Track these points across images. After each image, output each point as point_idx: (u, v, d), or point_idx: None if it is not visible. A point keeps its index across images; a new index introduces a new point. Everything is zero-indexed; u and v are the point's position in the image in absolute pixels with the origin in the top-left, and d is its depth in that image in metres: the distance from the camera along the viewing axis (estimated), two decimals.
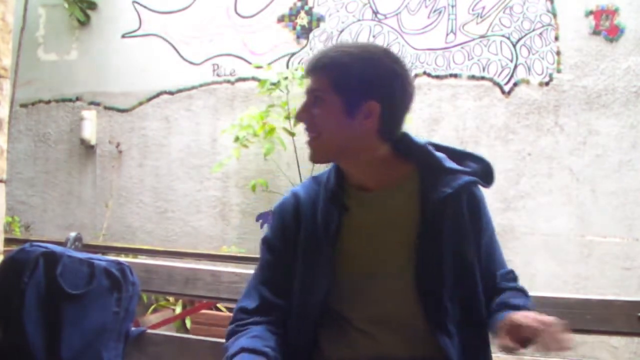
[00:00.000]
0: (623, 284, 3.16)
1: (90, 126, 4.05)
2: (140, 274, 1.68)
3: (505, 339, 1.09)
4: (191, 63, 3.92)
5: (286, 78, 3.39)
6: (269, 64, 3.65)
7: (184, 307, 3.42)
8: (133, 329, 1.65)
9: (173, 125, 3.96)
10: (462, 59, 3.47)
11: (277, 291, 1.30)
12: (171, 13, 3.98)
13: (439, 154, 1.29)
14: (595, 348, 3.16)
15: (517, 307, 1.21)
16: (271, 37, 3.79)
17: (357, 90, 1.21)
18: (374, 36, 3.60)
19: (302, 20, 3.74)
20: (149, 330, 1.73)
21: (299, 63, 3.70)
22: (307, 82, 1.27)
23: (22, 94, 4.11)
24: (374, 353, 1.23)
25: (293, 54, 3.75)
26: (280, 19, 3.78)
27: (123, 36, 4.06)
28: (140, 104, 4.02)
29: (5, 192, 1.89)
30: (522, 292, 1.32)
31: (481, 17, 3.45)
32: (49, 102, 4.21)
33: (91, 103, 4.12)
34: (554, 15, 3.34)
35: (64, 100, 4.18)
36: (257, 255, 1.40)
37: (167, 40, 3.97)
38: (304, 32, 3.74)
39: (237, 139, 3.38)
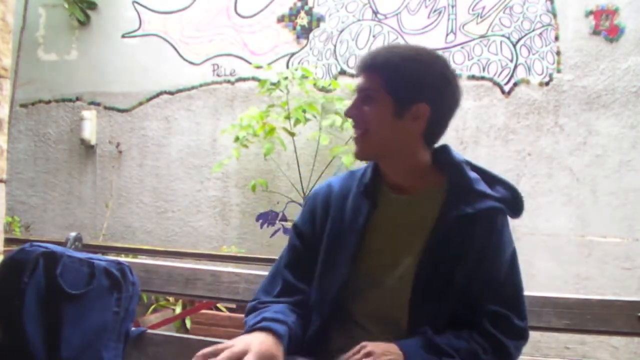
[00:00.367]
0: (623, 284, 3.16)
1: (90, 126, 4.05)
2: (140, 274, 1.68)
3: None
4: (191, 63, 3.92)
5: (286, 78, 3.39)
6: (269, 64, 3.65)
7: (184, 307, 3.42)
8: (133, 329, 1.65)
9: (173, 125, 3.96)
10: (462, 59, 3.47)
11: (300, 276, 1.34)
12: (171, 13, 3.98)
13: (473, 175, 1.29)
14: (595, 348, 3.16)
15: (435, 347, 1.19)
16: (271, 37, 3.79)
17: (409, 91, 1.23)
18: (374, 36, 3.60)
19: (302, 20, 3.74)
20: (149, 330, 1.73)
21: (299, 63, 3.70)
22: (359, 80, 1.29)
23: (22, 94, 4.11)
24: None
25: (293, 54, 3.75)
26: (280, 19, 3.78)
27: (123, 36, 4.06)
28: (140, 104, 4.02)
29: (5, 192, 1.89)
30: (493, 341, 1.23)
31: (481, 17, 3.45)
32: (49, 102, 4.21)
33: (91, 103, 4.12)
34: (554, 15, 3.34)
35: (64, 100, 4.18)
36: (257, 255, 1.42)
37: (167, 40, 3.97)
38: (304, 32, 3.74)
39: (237, 139, 3.38)
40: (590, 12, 3.27)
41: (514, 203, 1.30)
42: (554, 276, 3.25)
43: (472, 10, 3.46)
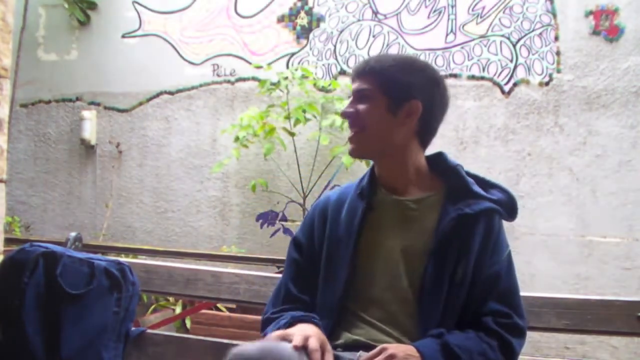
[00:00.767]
0: (623, 284, 3.16)
1: (90, 126, 4.05)
2: (141, 274, 1.68)
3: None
4: (191, 63, 3.92)
5: (286, 78, 3.39)
6: (269, 64, 3.65)
7: (184, 307, 3.41)
8: (133, 329, 1.65)
9: (173, 125, 3.96)
10: (462, 59, 3.47)
11: (301, 288, 1.37)
12: (171, 13, 3.98)
13: (469, 178, 1.35)
14: (595, 348, 3.16)
15: (448, 347, 1.21)
16: (271, 37, 3.79)
17: (401, 89, 1.30)
18: (374, 36, 3.60)
19: (302, 20, 3.74)
20: (149, 330, 1.73)
21: (299, 63, 3.70)
22: (353, 85, 1.35)
23: (22, 94, 4.11)
24: (371, 339, 1.28)
25: (293, 54, 3.75)
26: (280, 19, 3.78)
27: (123, 36, 4.06)
28: (140, 104, 4.02)
29: (5, 192, 1.89)
30: (498, 338, 1.25)
31: (481, 17, 3.45)
32: (49, 102, 4.21)
33: (91, 103, 4.12)
34: (554, 15, 3.34)
35: (64, 100, 4.18)
36: (257, 255, 1.43)
37: (167, 40, 3.97)
38: (304, 32, 3.74)
39: (237, 139, 3.38)
40: (590, 12, 3.27)
41: (509, 206, 1.34)
42: (553, 276, 3.25)
43: (472, 10, 3.46)
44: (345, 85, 3.52)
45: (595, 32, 3.26)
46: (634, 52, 3.22)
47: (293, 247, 1.43)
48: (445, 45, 3.50)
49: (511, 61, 3.40)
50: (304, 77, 3.39)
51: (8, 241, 2.38)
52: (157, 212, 3.97)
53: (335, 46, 3.68)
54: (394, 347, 1.17)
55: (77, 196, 4.14)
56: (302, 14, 3.74)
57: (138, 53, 4.02)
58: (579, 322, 1.49)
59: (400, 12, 3.58)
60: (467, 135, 3.44)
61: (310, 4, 3.73)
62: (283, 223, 3.70)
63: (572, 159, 3.30)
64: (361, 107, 1.31)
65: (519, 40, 3.39)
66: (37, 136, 4.23)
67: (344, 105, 3.33)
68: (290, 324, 1.25)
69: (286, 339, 1.14)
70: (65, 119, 4.18)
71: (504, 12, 3.41)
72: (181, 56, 3.94)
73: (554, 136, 3.33)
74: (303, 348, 1.11)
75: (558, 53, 3.33)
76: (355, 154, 1.37)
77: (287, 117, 3.38)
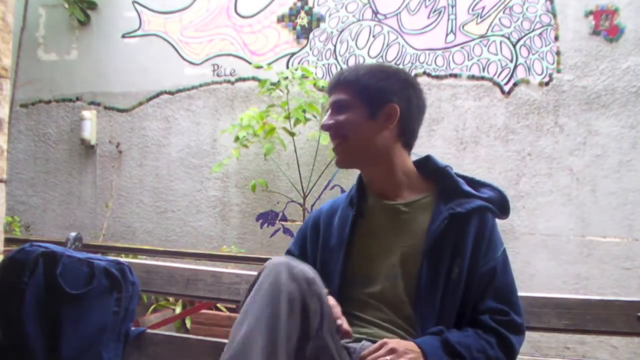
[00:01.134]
0: (623, 284, 3.16)
1: (90, 126, 4.05)
2: (141, 274, 1.68)
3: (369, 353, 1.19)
4: (191, 63, 3.92)
5: (286, 78, 3.39)
6: (269, 64, 3.65)
7: (184, 307, 3.41)
8: (133, 329, 1.65)
9: (173, 125, 3.96)
10: (462, 59, 3.47)
11: None
12: (171, 13, 3.98)
13: (458, 178, 1.37)
14: (595, 348, 3.16)
15: (449, 345, 1.22)
16: (271, 37, 3.79)
17: (378, 94, 1.33)
18: (373, 36, 3.60)
19: (302, 20, 3.74)
20: (149, 330, 1.73)
21: (299, 63, 3.70)
22: (330, 98, 1.38)
23: (22, 94, 4.11)
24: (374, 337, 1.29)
25: (293, 54, 3.75)
26: (280, 19, 3.78)
27: (123, 36, 4.06)
28: (140, 104, 4.02)
29: (5, 192, 1.89)
30: (496, 335, 1.26)
31: (481, 17, 3.45)
32: (49, 102, 4.21)
33: (91, 103, 4.12)
34: (554, 15, 3.34)
35: (64, 100, 4.18)
36: (257, 255, 1.44)
37: (167, 40, 3.97)
38: (304, 32, 3.74)
39: (237, 139, 3.38)
40: (590, 12, 3.27)
41: (501, 203, 1.35)
42: (553, 276, 3.25)
43: (472, 10, 3.46)
44: None
45: (595, 32, 3.26)
46: (634, 52, 3.22)
47: None
48: (445, 45, 3.50)
49: (511, 61, 3.40)
50: (304, 77, 3.39)
51: (8, 241, 2.37)
52: (157, 212, 3.97)
53: (335, 46, 3.68)
54: (394, 342, 1.18)
55: (77, 196, 4.14)
56: (302, 14, 3.74)
57: (138, 53, 4.02)
58: (579, 322, 1.49)
59: (400, 12, 3.58)
60: (467, 135, 3.44)
61: (310, 4, 3.73)
62: (283, 223, 3.70)
63: (572, 159, 3.30)
64: (340, 117, 1.34)
65: (519, 40, 3.39)
66: (37, 136, 4.23)
67: None
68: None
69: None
70: (65, 119, 4.18)
71: (504, 12, 3.41)
72: (181, 56, 3.94)
73: (554, 136, 3.33)
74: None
75: (558, 53, 3.33)
76: (341, 164, 1.41)
77: (287, 117, 3.38)
